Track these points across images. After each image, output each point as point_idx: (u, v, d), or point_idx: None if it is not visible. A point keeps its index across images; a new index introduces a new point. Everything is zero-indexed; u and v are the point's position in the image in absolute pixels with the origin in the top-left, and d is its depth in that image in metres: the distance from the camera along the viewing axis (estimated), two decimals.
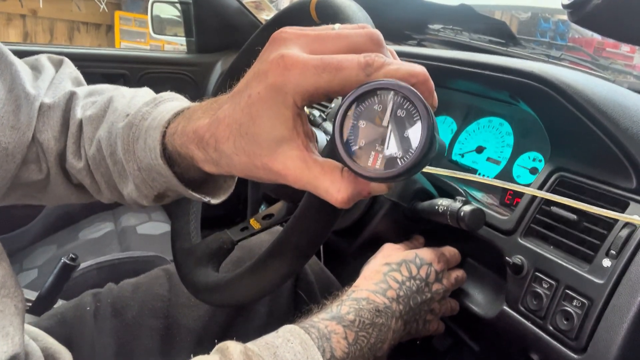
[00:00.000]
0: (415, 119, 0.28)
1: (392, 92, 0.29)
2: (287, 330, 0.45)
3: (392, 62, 0.30)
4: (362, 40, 0.31)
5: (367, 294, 0.53)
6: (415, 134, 0.28)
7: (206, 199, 0.44)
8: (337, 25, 0.33)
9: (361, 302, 0.51)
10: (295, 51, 0.30)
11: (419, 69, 0.30)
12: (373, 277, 0.56)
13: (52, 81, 0.51)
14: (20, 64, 0.48)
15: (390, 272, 0.56)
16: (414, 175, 0.31)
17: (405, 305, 0.54)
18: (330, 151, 0.33)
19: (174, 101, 0.45)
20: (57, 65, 0.54)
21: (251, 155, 0.32)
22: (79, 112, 0.49)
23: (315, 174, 0.31)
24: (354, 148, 0.30)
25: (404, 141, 0.28)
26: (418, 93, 0.28)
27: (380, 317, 0.51)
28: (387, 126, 0.29)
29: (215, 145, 0.33)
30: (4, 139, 0.45)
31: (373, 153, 0.29)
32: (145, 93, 0.50)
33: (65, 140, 0.49)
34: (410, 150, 0.28)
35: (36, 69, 0.51)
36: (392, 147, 0.29)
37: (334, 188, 0.30)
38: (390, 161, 0.29)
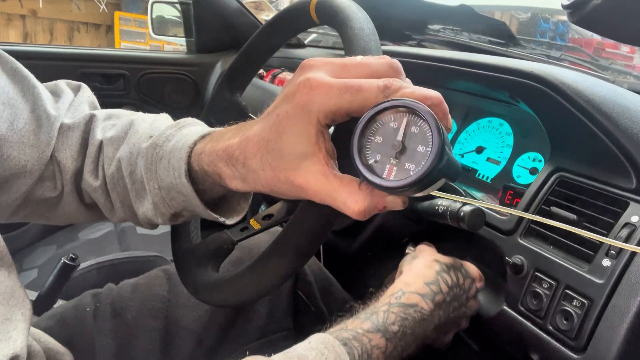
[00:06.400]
0: (427, 134, 0.30)
1: (406, 110, 0.31)
2: (321, 342, 0.43)
3: (408, 86, 0.32)
4: (383, 68, 0.34)
5: (417, 299, 0.51)
6: (426, 148, 0.30)
7: (221, 219, 0.46)
8: (359, 57, 0.36)
9: (409, 309, 0.50)
10: (320, 75, 0.33)
11: (434, 93, 0.32)
12: (425, 274, 0.54)
13: (71, 103, 0.53)
14: (41, 87, 0.50)
15: (442, 273, 0.55)
16: (425, 188, 0.32)
17: (445, 312, 0.53)
18: (344, 162, 0.35)
19: (196, 126, 0.48)
20: (75, 90, 0.56)
21: (276, 170, 0.34)
22: (99, 133, 0.52)
23: (334, 186, 0.33)
24: (371, 161, 0.32)
25: (416, 155, 0.31)
26: (430, 110, 0.30)
27: (422, 326, 0.50)
28: (401, 141, 0.31)
29: (243, 161, 0.36)
30: (23, 156, 0.46)
31: (388, 166, 0.31)
32: (165, 118, 0.53)
33: (82, 160, 0.51)
34: (422, 162, 0.30)
35: (55, 93, 0.54)
36: (405, 161, 0.31)
37: (352, 200, 0.32)
38: (403, 173, 0.31)
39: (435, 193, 0.43)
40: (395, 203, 0.33)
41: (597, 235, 0.42)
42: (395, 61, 0.34)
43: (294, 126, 0.33)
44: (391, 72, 0.33)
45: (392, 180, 0.31)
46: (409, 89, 0.32)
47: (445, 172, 0.31)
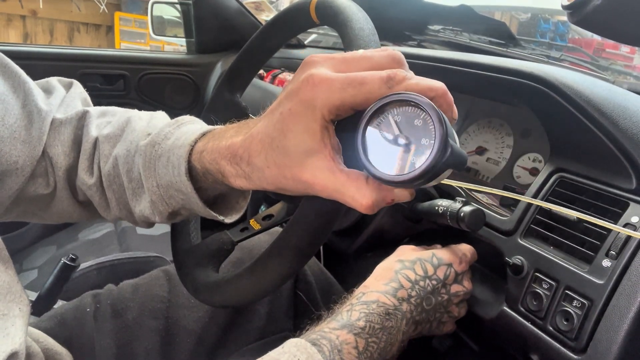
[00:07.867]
0: (430, 127, 0.31)
1: (409, 104, 0.31)
2: (293, 345, 0.43)
3: (413, 77, 0.32)
4: (385, 60, 0.33)
5: (377, 296, 0.51)
6: (430, 140, 0.31)
7: (220, 218, 0.46)
8: (361, 50, 0.35)
9: (371, 305, 0.49)
10: (323, 70, 0.33)
11: (438, 84, 0.32)
12: (384, 276, 0.54)
13: (63, 99, 0.53)
14: (32, 83, 0.50)
15: (402, 270, 0.54)
16: (431, 180, 0.33)
17: (417, 306, 0.52)
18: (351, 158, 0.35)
19: (195, 124, 0.48)
20: (67, 87, 0.56)
21: (281, 167, 0.34)
22: (94, 130, 0.51)
23: (341, 182, 0.33)
24: (376, 156, 0.32)
25: (420, 148, 0.31)
26: (432, 104, 0.31)
27: (390, 320, 0.49)
28: (406, 135, 0.31)
29: (248, 159, 0.36)
30: (15, 152, 0.46)
31: (393, 160, 0.32)
32: (162, 116, 0.53)
33: (75, 156, 0.51)
34: (426, 155, 0.31)
35: (47, 90, 0.53)
36: (409, 154, 0.31)
37: (360, 194, 0.32)
38: (408, 167, 0.31)
39: (446, 181, 0.42)
40: (403, 195, 0.34)
41: (606, 222, 0.41)
42: (397, 52, 0.34)
43: (298, 123, 0.33)
44: (393, 64, 0.33)
45: (398, 175, 0.31)
46: (413, 80, 0.32)
47: (450, 163, 0.32)
